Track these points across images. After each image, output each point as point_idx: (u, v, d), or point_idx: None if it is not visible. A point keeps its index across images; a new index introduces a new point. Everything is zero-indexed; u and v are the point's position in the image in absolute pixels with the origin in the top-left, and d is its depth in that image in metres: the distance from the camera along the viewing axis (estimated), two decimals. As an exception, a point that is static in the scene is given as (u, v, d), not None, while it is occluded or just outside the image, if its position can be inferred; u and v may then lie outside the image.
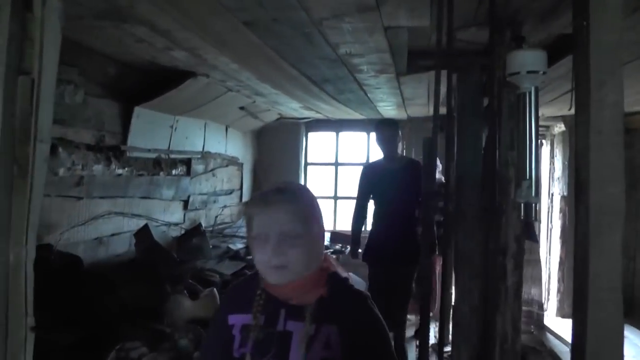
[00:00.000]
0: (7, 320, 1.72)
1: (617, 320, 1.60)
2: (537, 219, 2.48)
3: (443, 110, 6.27)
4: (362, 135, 8.23)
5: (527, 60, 1.92)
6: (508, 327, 2.91)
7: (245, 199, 7.81)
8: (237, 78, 4.59)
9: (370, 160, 6.86)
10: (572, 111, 1.74)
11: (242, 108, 6.31)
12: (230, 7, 2.63)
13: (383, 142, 4.67)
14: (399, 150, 5.02)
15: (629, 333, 6.08)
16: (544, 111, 6.17)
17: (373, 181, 4.79)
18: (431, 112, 6.48)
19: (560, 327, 6.50)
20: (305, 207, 1.50)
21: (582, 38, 1.69)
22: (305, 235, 1.46)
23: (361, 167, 5.09)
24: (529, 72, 1.91)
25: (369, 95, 5.31)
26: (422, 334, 3.03)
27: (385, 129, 4.66)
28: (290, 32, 3.05)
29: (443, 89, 5.01)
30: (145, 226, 4.59)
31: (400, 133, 4.80)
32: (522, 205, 2.21)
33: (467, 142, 3.49)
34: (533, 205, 2.15)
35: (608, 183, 1.60)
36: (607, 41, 1.63)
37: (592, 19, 1.63)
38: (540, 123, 6.60)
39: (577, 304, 1.70)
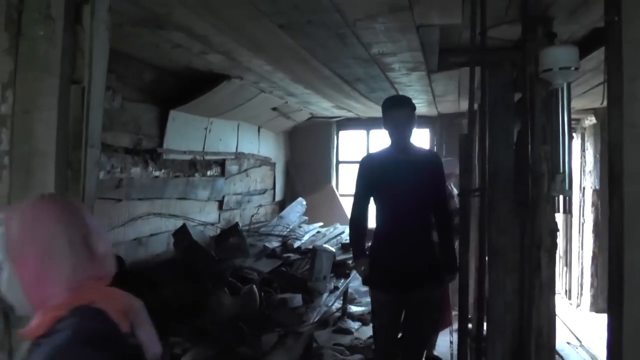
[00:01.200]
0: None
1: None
2: (571, 211, 2.50)
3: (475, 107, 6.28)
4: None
5: (559, 57, 1.95)
6: (543, 321, 2.93)
7: (278, 198, 7.92)
8: (270, 79, 4.67)
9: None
10: (604, 104, 1.77)
11: (274, 109, 6.40)
12: (267, 12, 2.70)
13: (393, 125, 3.43)
14: (414, 139, 3.66)
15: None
16: (575, 104, 6.12)
17: (377, 176, 3.56)
18: (461, 108, 6.54)
19: (595, 322, 6.46)
20: None
21: (614, 33, 1.72)
22: None
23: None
24: (561, 68, 1.94)
25: (400, 93, 5.35)
26: (460, 328, 3.07)
27: (398, 107, 3.44)
28: (324, 34, 3.11)
29: (474, 86, 5.04)
30: (184, 226, 4.70)
31: (415, 115, 3.55)
32: (557, 198, 2.24)
33: (498, 137, 3.51)
34: (567, 198, 2.17)
35: (643, 175, 1.63)
36: (639, 37, 1.66)
37: (624, 14, 1.66)
38: (572, 116, 6.57)
39: (612, 297, 1.73)
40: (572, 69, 1.95)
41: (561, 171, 2.14)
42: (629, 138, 1.65)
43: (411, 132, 3.50)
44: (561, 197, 2.33)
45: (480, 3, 2.24)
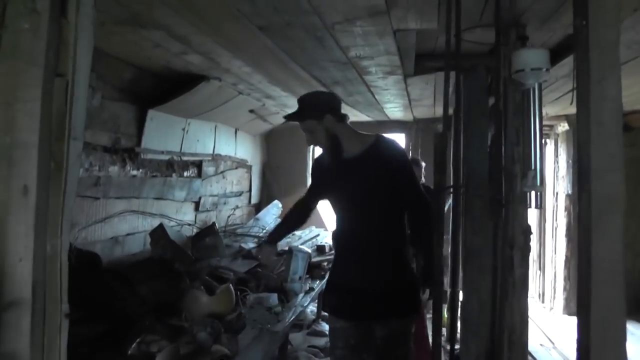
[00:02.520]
0: (45, 307, 1.84)
1: (619, 304, 1.71)
2: (542, 207, 2.59)
3: (450, 111, 6.39)
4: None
5: (531, 58, 2.03)
6: (516, 318, 3.01)
7: (254, 200, 7.94)
8: (249, 81, 4.71)
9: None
10: (573, 104, 1.85)
11: (251, 111, 6.43)
12: (247, 13, 2.75)
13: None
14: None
15: (636, 330, 6.17)
16: (548, 110, 6.27)
17: (324, 182, 3.11)
18: (437, 113, 6.65)
19: (567, 324, 6.59)
20: None
21: (581, 37, 1.80)
22: None
23: None
24: (532, 69, 2.03)
25: (376, 97, 5.43)
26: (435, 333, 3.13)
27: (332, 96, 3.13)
28: (303, 36, 3.17)
29: (450, 90, 5.14)
30: (160, 225, 4.71)
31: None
32: (529, 194, 2.32)
33: (473, 140, 3.60)
34: (538, 193, 2.25)
35: (608, 171, 1.71)
36: (606, 39, 1.74)
37: (591, 18, 1.74)
38: (545, 122, 6.71)
39: (580, 289, 1.80)
40: (543, 69, 2.03)
41: (533, 167, 2.22)
42: (597, 136, 1.72)
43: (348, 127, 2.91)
44: (532, 193, 2.41)
45: (455, 8, 2.31)
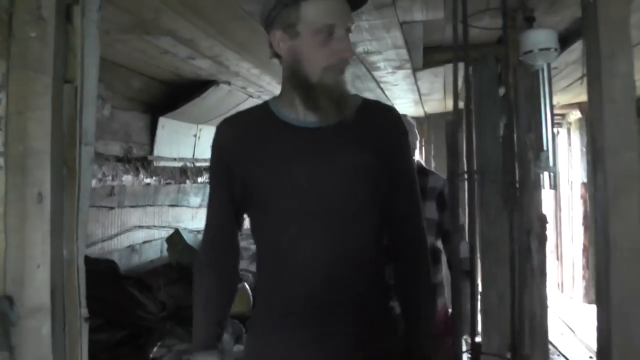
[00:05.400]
0: (64, 311, 1.85)
1: (638, 279, 1.68)
2: (557, 187, 2.56)
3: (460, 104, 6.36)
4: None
5: (539, 38, 2.02)
6: (536, 305, 2.98)
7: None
8: (258, 83, 4.71)
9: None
10: (584, 82, 1.83)
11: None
12: (252, 12, 2.75)
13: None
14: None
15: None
16: (559, 99, 6.22)
17: (249, 166, 1.48)
18: (448, 107, 6.61)
19: (587, 313, 6.53)
20: None
21: (590, 14, 1.78)
22: None
23: None
24: (541, 49, 2.01)
25: (386, 92, 5.41)
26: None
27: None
28: (309, 34, 3.16)
29: (460, 82, 5.12)
30: (177, 231, 4.73)
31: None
32: (543, 175, 2.30)
33: (486, 131, 3.59)
34: (552, 174, 2.23)
35: (623, 148, 1.68)
36: (615, 15, 1.72)
37: (599, -5, 1.72)
38: (556, 111, 6.67)
39: (599, 266, 1.78)
40: (552, 49, 2.01)
41: (545, 148, 2.20)
42: (609, 113, 1.70)
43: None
44: (546, 174, 2.39)
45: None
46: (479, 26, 2.68)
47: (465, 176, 2.07)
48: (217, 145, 1.58)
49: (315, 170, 1.41)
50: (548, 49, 1.99)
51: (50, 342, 1.79)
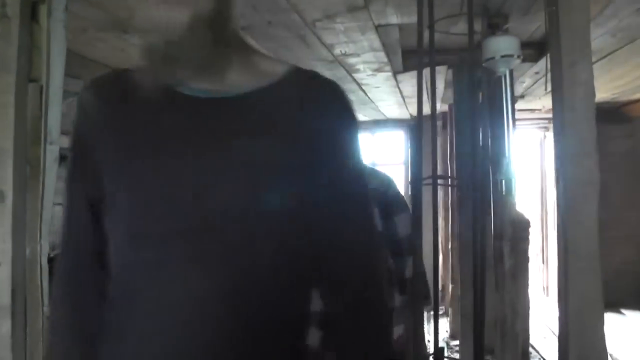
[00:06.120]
0: (25, 311, 1.84)
1: (596, 290, 1.70)
2: (515, 194, 2.57)
3: (442, 107, 6.39)
4: (366, 135, 8.32)
5: (500, 45, 2.03)
6: (507, 309, 3.00)
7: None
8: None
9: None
10: (548, 90, 1.84)
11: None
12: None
13: None
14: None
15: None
16: (545, 103, 6.25)
17: (107, 158, 0.94)
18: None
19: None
20: None
21: (554, 22, 1.79)
22: None
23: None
24: (503, 56, 2.02)
25: (369, 95, 5.42)
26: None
27: None
28: (286, 35, 3.17)
29: (440, 86, 5.14)
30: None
31: None
32: (502, 181, 2.32)
33: (464, 136, 3.61)
34: (510, 181, 2.25)
35: (582, 156, 1.70)
36: (576, 23, 1.74)
37: (561, 4, 1.73)
38: (543, 115, 6.72)
39: (559, 272, 1.80)
40: (514, 56, 2.02)
41: (506, 155, 2.21)
42: (569, 120, 1.72)
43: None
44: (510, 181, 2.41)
45: (429, 2, 2.30)
46: (444, 31, 2.69)
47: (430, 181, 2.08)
48: (76, 121, 1.00)
49: (200, 165, 0.90)
50: (510, 55, 2.00)
51: (10, 341, 1.78)
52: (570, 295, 1.69)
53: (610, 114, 6.80)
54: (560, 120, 1.76)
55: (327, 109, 0.97)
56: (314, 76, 1.01)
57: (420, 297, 2.12)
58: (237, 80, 0.95)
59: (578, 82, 1.72)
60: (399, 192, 2.17)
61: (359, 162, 1.05)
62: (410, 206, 2.23)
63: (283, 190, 0.92)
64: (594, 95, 1.73)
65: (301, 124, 0.94)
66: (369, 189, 1.09)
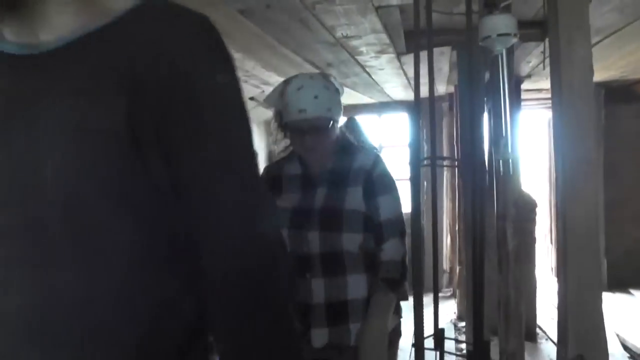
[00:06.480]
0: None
1: (595, 269, 1.70)
2: (519, 175, 2.55)
3: (448, 89, 6.35)
4: (373, 117, 8.29)
5: (497, 24, 2.00)
6: (511, 290, 2.99)
7: (261, 188, 7.96)
8: (243, 68, 4.70)
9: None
10: (546, 69, 1.82)
11: (252, 98, 6.43)
12: (223, -4, 2.75)
13: None
14: None
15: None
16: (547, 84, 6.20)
17: None
18: (439, 91, 6.58)
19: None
20: None
21: (551, 3, 1.78)
22: None
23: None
24: (499, 35, 1.99)
25: (373, 77, 5.40)
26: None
27: None
28: (286, 18, 3.15)
29: (445, 67, 5.10)
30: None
31: None
32: (500, 162, 2.31)
33: (471, 118, 3.59)
34: (509, 161, 2.23)
35: (580, 135, 1.69)
36: (573, 2, 1.72)
37: (558, -19, 1.72)
38: (548, 95, 6.67)
39: (559, 251, 1.79)
40: (511, 35, 2.00)
41: (504, 135, 2.20)
42: (567, 98, 1.71)
43: None
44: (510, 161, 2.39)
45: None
46: (442, 11, 2.68)
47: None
48: None
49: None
50: (507, 34, 1.98)
51: None
52: (569, 273, 1.68)
53: (621, 93, 6.74)
54: (559, 99, 1.75)
55: (170, 49, 0.73)
56: (163, 8, 0.78)
57: (393, 285, 1.91)
58: (59, 25, 0.74)
59: (575, 60, 1.71)
60: (387, 172, 2.03)
61: (231, 117, 0.78)
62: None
63: (107, 164, 0.71)
64: (592, 73, 1.71)
65: (132, 75, 0.71)
66: (247, 157, 0.80)
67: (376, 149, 2.19)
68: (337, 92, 2.03)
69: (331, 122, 1.96)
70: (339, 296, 1.93)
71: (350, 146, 2.11)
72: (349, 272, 1.94)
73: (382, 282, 1.90)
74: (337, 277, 1.93)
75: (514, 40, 2.00)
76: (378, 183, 1.98)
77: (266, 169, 2.23)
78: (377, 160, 2.03)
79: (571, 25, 1.71)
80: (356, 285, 1.94)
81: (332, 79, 2.06)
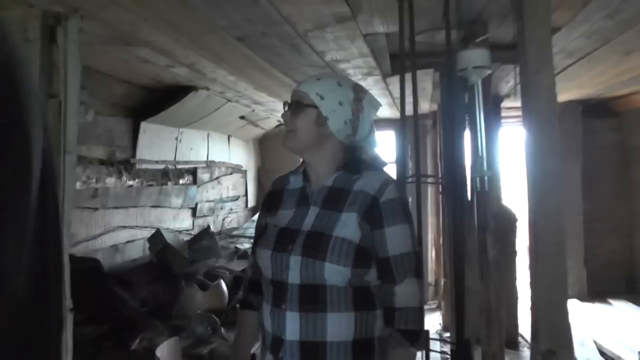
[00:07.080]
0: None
1: (561, 269, 1.91)
2: (493, 188, 2.76)
3: (434, 106, 6.57)
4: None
5: (472, 57, 2.23)
6: (492, 298, 3.21)
7: (250, 204, 8.14)
8: (235, 89, 4.91)
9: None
10: (518, 96, 2.04)
11: (242, 117, 6.64)
12: (224, 26, 2.96)
13: None
14: None
15: (631, 309, 6.37)
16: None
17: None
18: (422, 109, 6.82)
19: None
20: None
21: (521, 35, 2.00)
22: None
23: None
24: (475, 67, 2.23)
25: (360, 97, 5.61)
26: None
27: None
28: (279, 44, 3.37)
29: (429, 86, 5.33)
30: (158, 231, 4.92)
31: None
32: (477, 179, 2.53)
33: (449, 135, 3.81)
34: (485, 179, 2.45)
35: (547, 153, 1.91)
36: (540, 36, 1.94)
37: (526, 19, 1.94)
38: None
39: (531, 261, 2.01)
40: (485, 67, 2.23)
41: (480, 154, 2.42)
42: (535, 121, 1.93)
43: None
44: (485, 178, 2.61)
45: (409, 11, 2.50)
46: (424, 41, 2.90)
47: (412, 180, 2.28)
48: None
49: None
50: (482, 66, 2.21)
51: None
52: (539, 277, 1.89)
53: (598, 109, 7.04)
54: (528, 122, 1.97)
55: None
56: None
57: (413, 338, 1.70)
58: None
59: (541, 88, 1.93)
60: (396, 198, 1.74)
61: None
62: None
63: None
64: (555, 99, 1.93)
65: None
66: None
67: (386, 164, 1.91)
68: (348, 96, 1.77)
69: (312, 107, 1.75)
70: (315, 336, 1.64)
71: (358, 163, 1.82)
72: (331, 310, 1.65)
73: (400, 335, 1.68)
74: (316, 314, 1.65)
75: (488, 71, 2.22)
76: (385, 212, 1.71)
77: (274, 180, 2.06)
78: (385, 183, 1.76)
79: (537, 57, 1.93)
80: (338, 326, 1.65)
81: (361, 91, 1.82)
